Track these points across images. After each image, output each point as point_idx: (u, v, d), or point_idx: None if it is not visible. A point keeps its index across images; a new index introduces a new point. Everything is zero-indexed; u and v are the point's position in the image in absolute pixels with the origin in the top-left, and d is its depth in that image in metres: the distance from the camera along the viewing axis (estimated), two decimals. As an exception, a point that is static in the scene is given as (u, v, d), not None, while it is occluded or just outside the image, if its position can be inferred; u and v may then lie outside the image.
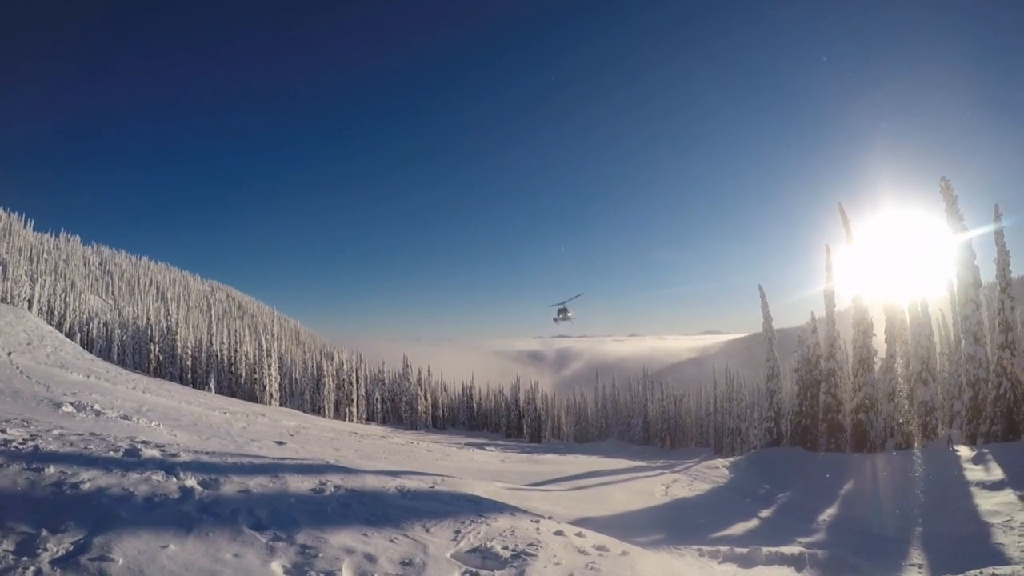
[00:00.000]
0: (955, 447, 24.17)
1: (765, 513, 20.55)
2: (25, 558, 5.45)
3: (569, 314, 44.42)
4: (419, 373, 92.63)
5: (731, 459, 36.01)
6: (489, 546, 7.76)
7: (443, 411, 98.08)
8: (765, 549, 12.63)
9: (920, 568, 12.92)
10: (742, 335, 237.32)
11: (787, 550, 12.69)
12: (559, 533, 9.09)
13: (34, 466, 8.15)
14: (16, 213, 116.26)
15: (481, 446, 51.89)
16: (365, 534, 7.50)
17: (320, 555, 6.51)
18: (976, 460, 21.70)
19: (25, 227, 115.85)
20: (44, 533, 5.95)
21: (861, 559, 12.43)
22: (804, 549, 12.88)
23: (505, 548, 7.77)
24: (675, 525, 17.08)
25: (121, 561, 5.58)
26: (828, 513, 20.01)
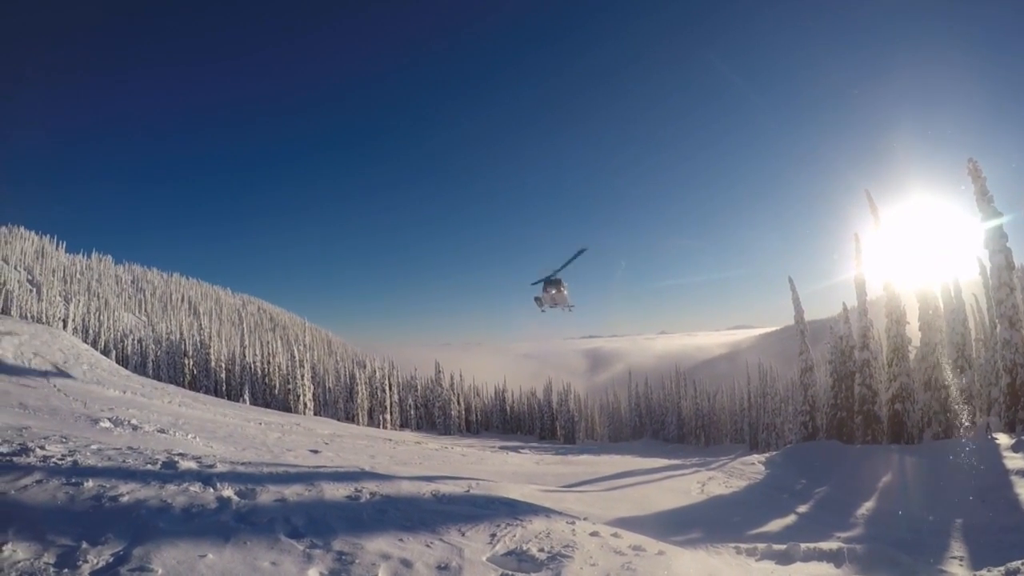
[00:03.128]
0: (994, 435, 23.81)
1: (802, 508, 20.34)
2: (66, 570, 5.56)
3: (564, 290, 29.07)
4: (451, 378, 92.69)
5: (767, 455, 35.62)
6: (525, 548, 7.79)
7: (476, 415, 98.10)
8: (803, 545, 12.50)
9: (961, 560, 12.73)
10: (774, 328, 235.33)
11: (825, 545, 12.55)
12: (595, 534, 9.09)
13: (73, 480, 8.30)
14: (48, 236, 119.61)
15: (515, 449, 51.78)
16: (401, 539, 7.55)
17: (356, 561, 6.56)
18: (1016, 448, 21.34)
19: (57, 249, 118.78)
20: (84, 545, 6.06)
21: (901, 553, 12.26)
22: (842, 544, 12.73)
23: (541, 550, 7.80)
24: (712, 523, 16.94)
25: (160, 571, 5.69)
26: (866, 507, 19.77)
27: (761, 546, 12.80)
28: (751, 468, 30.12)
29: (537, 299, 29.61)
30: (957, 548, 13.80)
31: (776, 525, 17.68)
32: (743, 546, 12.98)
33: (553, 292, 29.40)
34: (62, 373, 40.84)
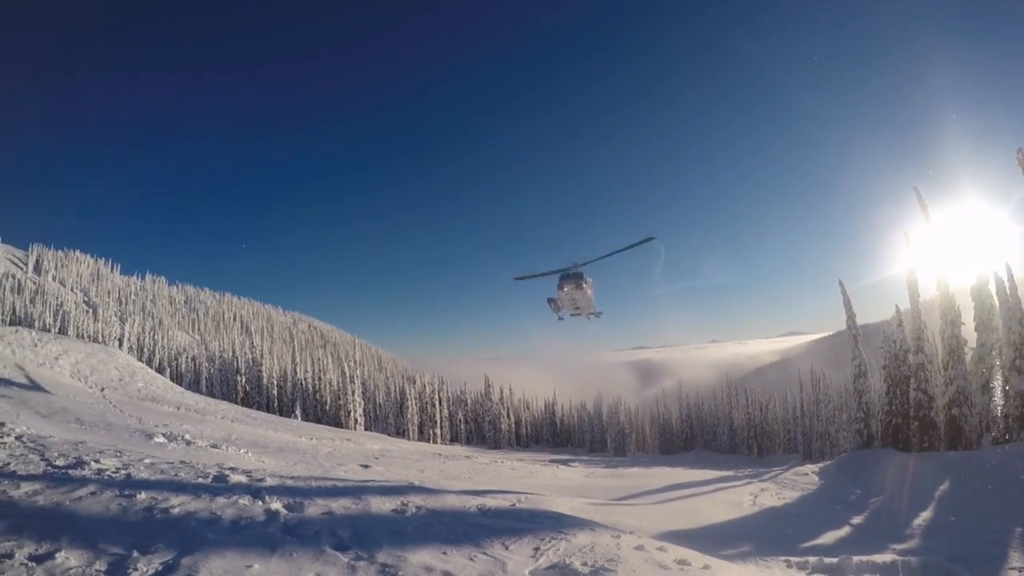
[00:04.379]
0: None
1: (857, 520, 19.96)
2: None
3: (587, 288, 23.07)
4: (501, 392, 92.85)
5: (820, 464, 35.02)
6: (568, 562, 7.76)
7: (526, 429, 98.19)
8: (856, 558, 12.25)
9: (1021, 572, 12.41)
10: (826, 334, 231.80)
11: (879, 558, 12.30)
12: (640, 548, 9.03)
13: (126, 492, 8.57)
14: (103, 259, 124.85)
15: (565, 462, 51.68)
16: (444, 552, 7.62)
17: (400, 574, 6.63)
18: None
19: (112, 271, 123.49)
20: (135, 554, 6.26)
21: (958, 565, 11.97)
22: (897, 556, 12.48)
23: (584, 564, 7.76)
24: (763, 536, 16.73)
25: None
26: (923, 517, 19.34)
27: (812, 559, 12.59)
28: (804, 479, 29.65)
29: (552, 301, 23.69)
30: (1017, 559, 13.46)
31: (829, 537, 17.38)
32: (794, 559, 12.76)
33: (570, 290, 22.81)
34: (117, 390, 41.77)
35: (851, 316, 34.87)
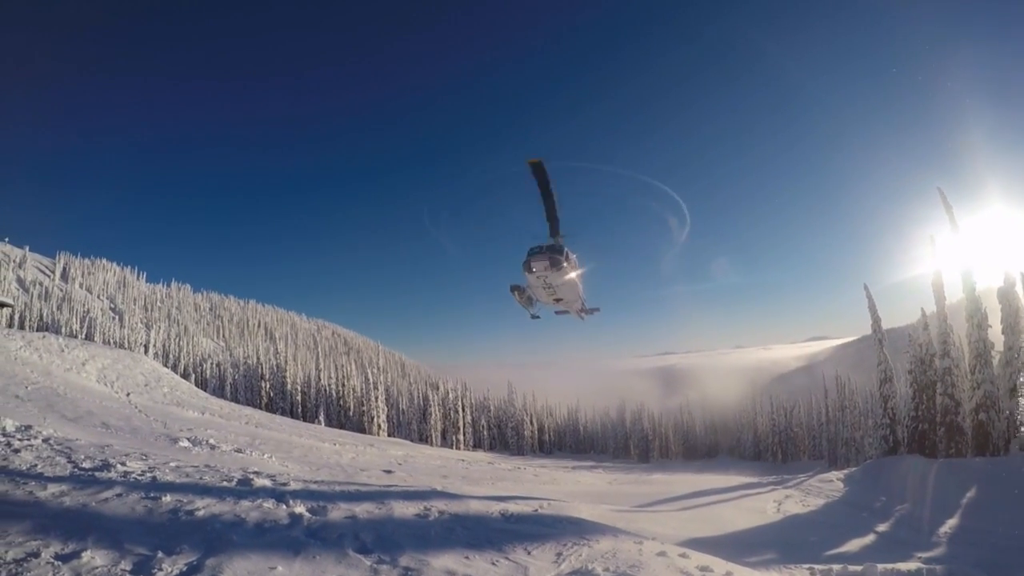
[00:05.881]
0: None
1: (882, 527, 19.76)
2: None
3: (568, 271, 15.98)
4: (524, 399, 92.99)
5: (846, 471, 34.64)
6: (590, 568, 7.76)
7: (549, 435, 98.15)
8: (880, 566, 12.14)
9: (1051, 580, 12.24)
10: (852, 338, 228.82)
11: (904, 566, 12.20)
12: (662, 554, 9.01)
13: (152, 495, 8.69)
14: (129, 267, 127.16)
15: (588, 468, 51.61)
16: (467, 557, 7.65)
17: (422, 577, 6.63)
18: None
19: (138, 279, 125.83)
20: (160, 555, 6.35)
21: (984, 573, 11.84)
22: (922, 565, 12.37)
23: (606, 570, 7.76)
24: (787, 543, 16.61)
25: None
26: (949, 524, 19.09)
27: (836, 567, 12.48)
28: (829, 486, 29.43)
29: (517, 290, 17.05)
30: (1045, 567, 13.27)
31: (854, 545, 17.23)
32: (818, 567, 12.66)
33: (543, 271, 15.19)
34: (143, 395, 42.12)
35: (876, 320, 34.39)
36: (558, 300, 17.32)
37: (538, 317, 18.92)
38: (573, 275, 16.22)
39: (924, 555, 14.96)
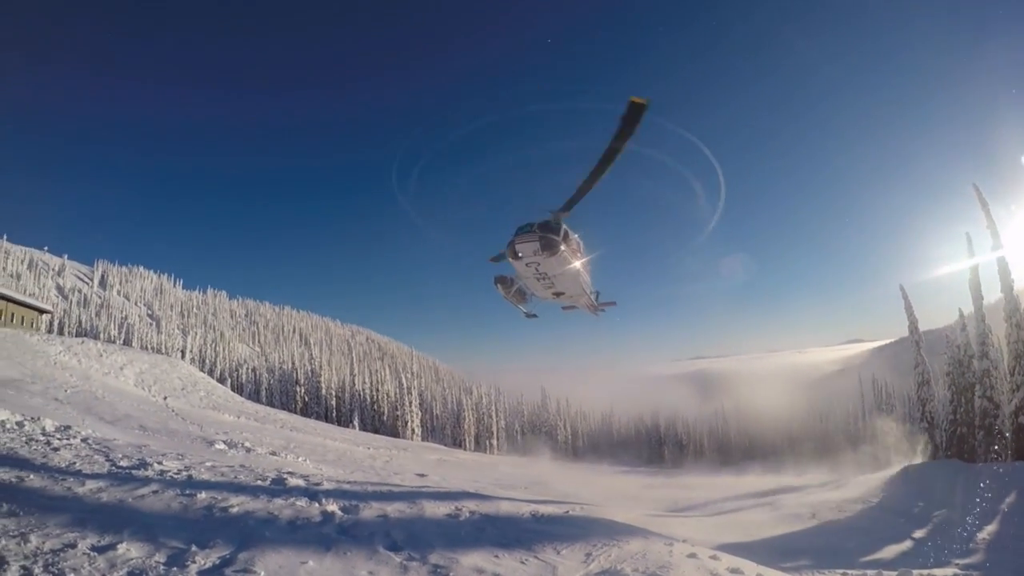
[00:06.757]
0: None
1: (919, 534, 19.49)
2: (175, 569, 5.98)
3: (572, 256, 11.84)
4: (557, 403, 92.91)
5: (883, 476, 34.15)
6: (619, 568, 7.76)
7: (583, 439, 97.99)
8: (916, 572, 11.99)
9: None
10: (889, 341, 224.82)
11: (940, 572, 12.06)
12: (692, 556, 8.97)
13: (187, 492, 8.86)
14: (166, 274, 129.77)
15: (621, 473, 51.43)
16: (496, 556, 7.70)
17: (451, 574, 6.75)
18: None
19: (175, 286, 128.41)
20: (193, 548, 6.49)
21: (1023, 579, 11.65)
22: (959, 571, 12.19)
23: (635, 570, 7.76)
24: (822, 548, 16.47)
25: (263, 574, 6.06)
26: (988, 531, 18.76)
27: (871, 573, 12.35)
28: (866, 491, 29.01)
29: (502, 281, 13.45)
30: (1088, 575, 13.01)
31: (890, 551, 17.03)
32: (852, 573, 12.53)
33: (531, 255, 11.43)
34: (180, 399, 42.67)
35: (913, 322, 33.67)
36: (558, 295, 13.51)
37: (535, 316, 14.83)
38: (576, 263, 12.18)
39: (962, 562, 14.75)
